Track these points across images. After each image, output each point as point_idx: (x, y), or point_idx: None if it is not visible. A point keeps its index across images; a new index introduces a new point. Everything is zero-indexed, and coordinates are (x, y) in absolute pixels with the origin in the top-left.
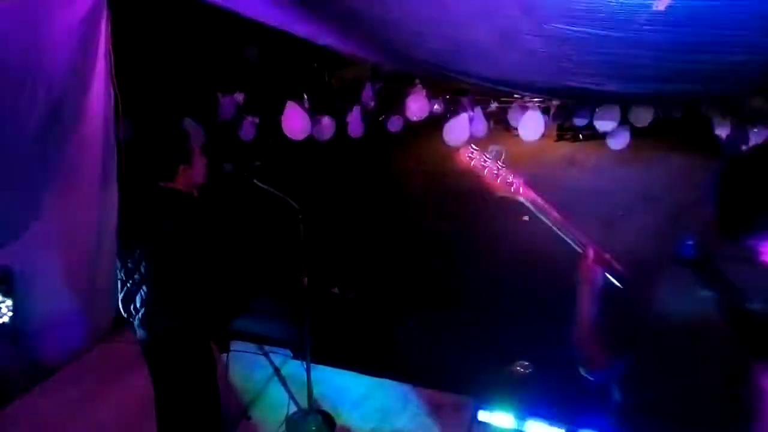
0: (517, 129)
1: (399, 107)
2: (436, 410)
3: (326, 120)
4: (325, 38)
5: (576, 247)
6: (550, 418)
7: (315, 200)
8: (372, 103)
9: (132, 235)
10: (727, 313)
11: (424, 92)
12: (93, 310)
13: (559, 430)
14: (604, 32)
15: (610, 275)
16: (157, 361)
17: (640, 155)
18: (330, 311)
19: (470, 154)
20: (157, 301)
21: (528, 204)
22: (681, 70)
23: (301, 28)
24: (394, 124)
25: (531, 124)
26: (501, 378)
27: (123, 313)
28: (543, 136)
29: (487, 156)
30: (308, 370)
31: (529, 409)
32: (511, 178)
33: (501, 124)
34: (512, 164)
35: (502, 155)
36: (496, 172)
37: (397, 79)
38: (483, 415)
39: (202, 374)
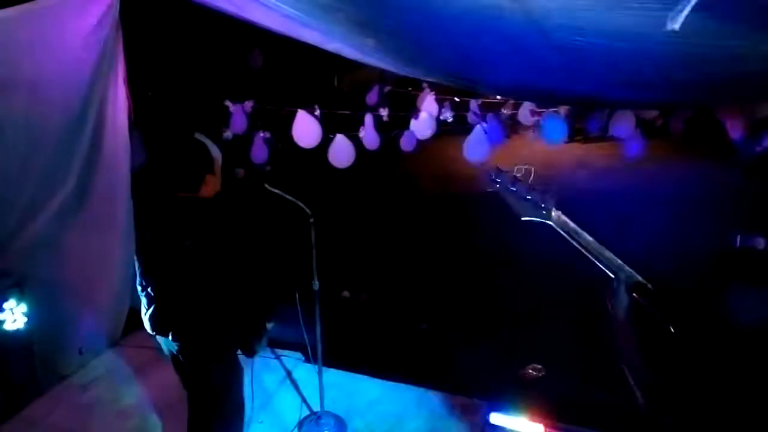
0: (528, 130)
1: (409, 123)
2: (449, 413)
3: (340, 140)
4: (332, 44)
5: (608, 272)
6: (563, 421)
7: (326, 204)
8: (384, 112)
9: (162, 248)
10: None
11: (434, 103)
12: (105, 314)
13: None
14: (611, 43)
15: (645, 303)
16: (186, 370)
17: (651, 157)
18: (341, 315)
19: (495, 177)
20: (188, 313)
21: (558, 228)
22: (690, 81)
23: (308, 34)
24: (408, 143)
25: (555, 129)
26: (514, 380)
27: (151, 330)
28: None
29: (516, 176)
30: (320, 374)
31: (542, 411)
32: (541, 201)
33: (513, 127)
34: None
35: (531, 175)
36: (525, 194)
37: (406, 81)
38: (495, 418)
39: (228, 381)
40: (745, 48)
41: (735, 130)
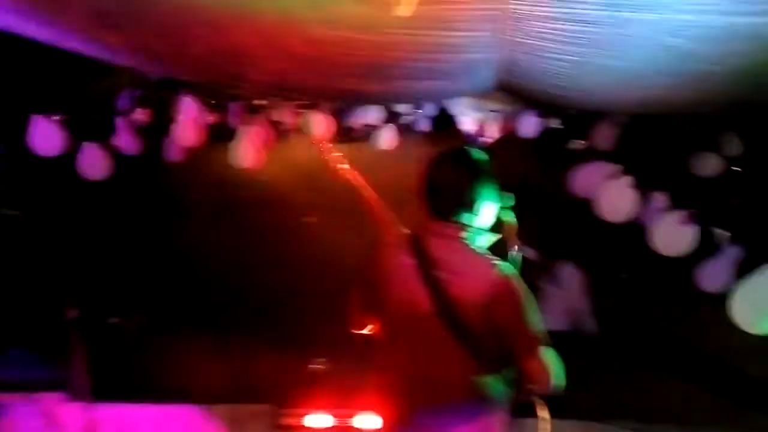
0: (293, 130)
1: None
2: (236, 425)
3: (91, 149)
4: (71, 42)
5: (381, 220)
6: (352, 409)
7: (76, 220)
8: (140, 117)
9: None
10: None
11: (195, 106)
12: None
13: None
14: (357, 35)
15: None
16: None
17: (406, 153)
18: (109, 343)
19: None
20: None
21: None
22: (426, 69)
23: (40, 31)
24: (171, 150)
25: (316, 127)
26: (299, 378)
27: None
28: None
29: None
30: (88, 411)
31: (331, 402)
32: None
33: (279, 129)
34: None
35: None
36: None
37: (163, 84)
38: (284, 419)
39: None
40: (473, 37)
41: (467, 124)
